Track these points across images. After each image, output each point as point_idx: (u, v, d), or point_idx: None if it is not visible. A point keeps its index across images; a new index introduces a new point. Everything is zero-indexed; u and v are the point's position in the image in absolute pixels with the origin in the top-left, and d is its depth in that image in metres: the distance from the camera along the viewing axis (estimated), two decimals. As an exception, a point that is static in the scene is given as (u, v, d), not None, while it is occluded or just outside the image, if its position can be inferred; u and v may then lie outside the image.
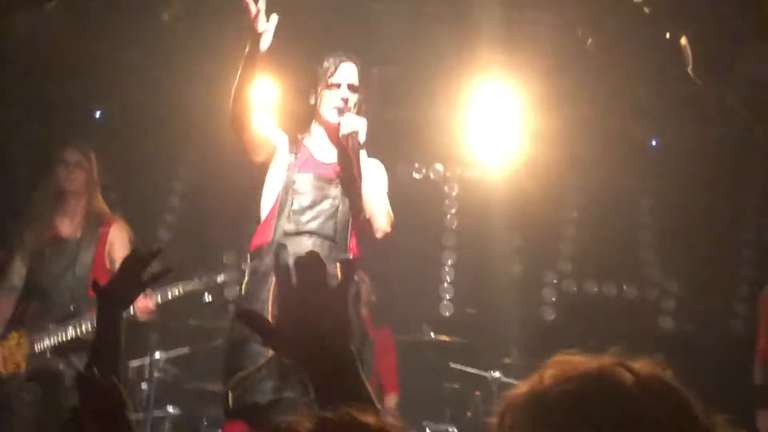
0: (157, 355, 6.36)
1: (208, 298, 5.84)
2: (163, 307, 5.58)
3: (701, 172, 7.61)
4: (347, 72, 4.65)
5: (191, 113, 7.43)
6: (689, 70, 6.49)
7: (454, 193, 8.36)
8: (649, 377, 1.36)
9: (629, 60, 6.84)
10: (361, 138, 4.46)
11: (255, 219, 4.76)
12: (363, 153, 4.60)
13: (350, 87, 4.62)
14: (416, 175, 8.35)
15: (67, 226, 5.74)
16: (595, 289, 8.17)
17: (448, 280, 8.25)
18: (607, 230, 8.06)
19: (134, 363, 6.40)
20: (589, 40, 6.62)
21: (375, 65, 7.74)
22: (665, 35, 6.43)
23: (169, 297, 5.56)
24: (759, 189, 7.48)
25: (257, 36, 4.40)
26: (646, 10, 6.36)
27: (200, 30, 6.91)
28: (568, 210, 8.30)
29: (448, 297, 8.22)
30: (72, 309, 5.56)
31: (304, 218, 4.57)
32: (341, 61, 4.66)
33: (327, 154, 4.70)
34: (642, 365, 1.39)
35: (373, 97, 4.78)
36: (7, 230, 6.07)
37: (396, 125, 7.84)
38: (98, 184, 5.81)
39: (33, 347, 5.53)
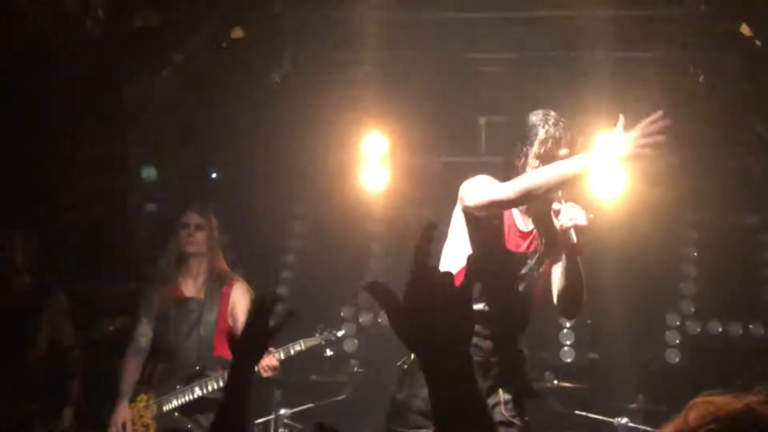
0: (282, 411, 6.41)
1: (328, 352, 5.88)
2: (285, 364, 5.63)
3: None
4: (567, 143, 4.26)
5: (303, 170, 7.54)
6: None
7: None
8: None
9: (744, 94, 6.72)
10: (578, 233, 4.11)
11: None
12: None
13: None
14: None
15: (191, 288, 5.84)
16: (720, 329, 7.97)
17: (568, 326, 8.14)
18: (728, 268, 7.87)
19: (259, 420, 6.46)
20: (701, 77, 6.54)
21: (482, 115, 7.80)
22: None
23: (292, 353, 5.62)
24: None
25: None
26: (758, 42, 6.26)
27: (310, 87, 7.04)
28: (688, 249, 8.15)
29: (568, 342, 8.11)
30: (198, 369, 5.64)
31: (495, 295, 4.21)
32: (563, 128, 4.27)
33: (526, 222, 4.36)
34: None
35: None
36: (133, 294, 6.21)
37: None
38: (219, 244, 5.91)
39: (161, 408, 5.62)
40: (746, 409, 1.34)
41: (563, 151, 4.22)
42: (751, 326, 7.90)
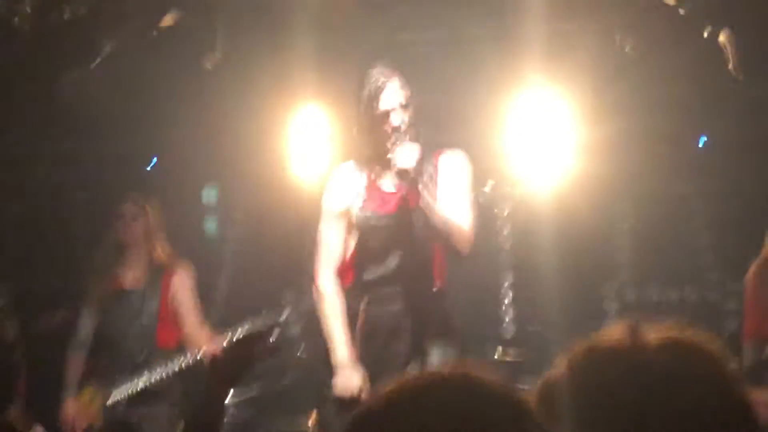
0: (227, 399, 6.41)
1: (273, 337, 5.89)
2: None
3: (752, 168, 7.56)
4: (393, 93, 4.44)
5: (239, 156, 7.52)
6: (730, 67, 6.48)
7: (505, 213, 8.35)
8: (668, 341, 1.41)
9: (669, 63, 6.83)
10: (417, 172, 4.26)
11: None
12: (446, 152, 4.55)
13: (403, 108, 4.42)
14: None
15: (130, 278, 5.84)
16: (656, 296, 8.13)
17: (507, 301, 8.23)
18: (663, 236, 8.01)
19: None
20: (628, 47, 6.64)
21: (417, 94, 7.84)
22: (703, 35, 6.44)
23: (234, 339, 5.62)
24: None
25: None
26: (681, 11, 6.37)
27: (244, 73, 7.02)
28: (622, 219, 8.27)
29: (509, 317, 8.20)
30: (141, 359, 5.64)
31: (385, 260, 4.47)
32: (384, 84, 4.44)
33: (389, 183, 4.57)
34: (661, 330, 1.46)
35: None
36: (72, 288, 6.18)
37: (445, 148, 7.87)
38: (157, 233, 5.90)
39: (106, 401, 5.61)
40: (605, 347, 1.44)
41: (385, 104, 4.35)
42: (686, 291, 8.05)
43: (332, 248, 4.59)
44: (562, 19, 7.01)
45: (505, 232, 8.39)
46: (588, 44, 6.94)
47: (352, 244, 4.60)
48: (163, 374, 5.54)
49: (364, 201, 4.55)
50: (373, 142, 4.48)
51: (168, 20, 6.22)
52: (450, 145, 7.79)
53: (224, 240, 8.37)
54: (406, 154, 4.31)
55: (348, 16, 7.29)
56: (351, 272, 4.61)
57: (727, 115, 7.38)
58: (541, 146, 7.40)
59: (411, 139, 4.40)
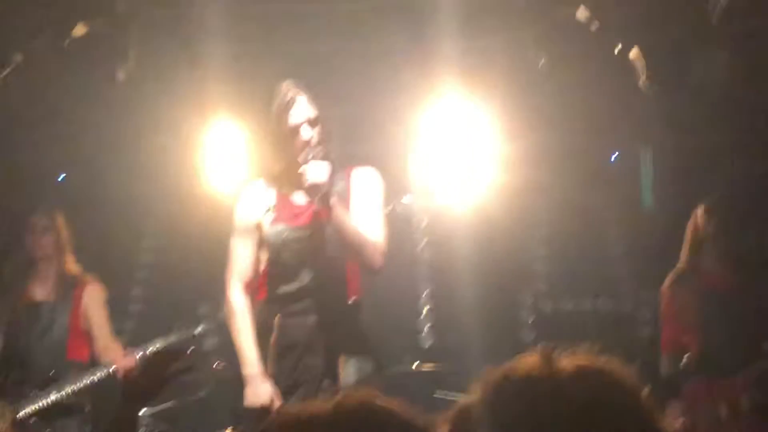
0: (142, 411, 6.34)
1: (188, 350, 5.85)
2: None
3: (663, 179, 7.71)
4: (303, 110, 4.47)
5: (154, 168, 7.46)
6: (641, 83, 6.61)
7: (423, 225, 8.41)
8: (583, 369, 1.42)
9: (581, 78, 6.94)
10: (327, 187, 4.28)
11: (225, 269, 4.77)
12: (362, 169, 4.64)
13: (310, 123, 4.45)
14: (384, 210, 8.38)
15: (41, 292, 5.75)
16: (571, 306, 8.23)
17: (425, 311, 8.28)
18: (578, 247, 8.13)
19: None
20: (541, 62, 6.73)
21: (333, 106, 7.84)
22: (614, 51, 6.55)
23: (148, 354, 5.57)
24: (718, 189, 7.59)
25: None
26: (593, 28, 6.48)
27: (157, 84, 6.97)
28: (537, 230, 8.37)
29: (427, 327, 8.25)
30: (52, 374, 5.56)
31: (298, 274, 4.50)
32: (293, 99, 4.47)
33: (299, 196, 4.59)
34: (575, 358, 1.47)
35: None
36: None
37: (359, 162, 7.88)
38: (68, 246, 5.83)
39: (16, 416, 5.51)
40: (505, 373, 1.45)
41: (295, 119, 4.40)
42: (600, 301, 8.18)
43: (241, 262, 4.60)
44: (477, 33, 7.08)
45: (423, 244, 8.45)
46: (502, 58, 7.02)
47: (265, 258, 4.58)
48: (75, 388, 5.47)
49: (276, 215, 4.55)
50: (283, 157, 4.49)
51: (80, 30, 6.14)
52: (366, 156, 7.82)
53: (138, 253, 8.28)
54: (316, 170, 4.32)
55: (264, 27, 7.28)
56: (264, 286, 4.61)
57: (639, 128, 7.52)
58: (457, 158, 7.47)
59: (321, 155, 4.41)
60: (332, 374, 4.47)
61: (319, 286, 4.49)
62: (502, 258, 8.05)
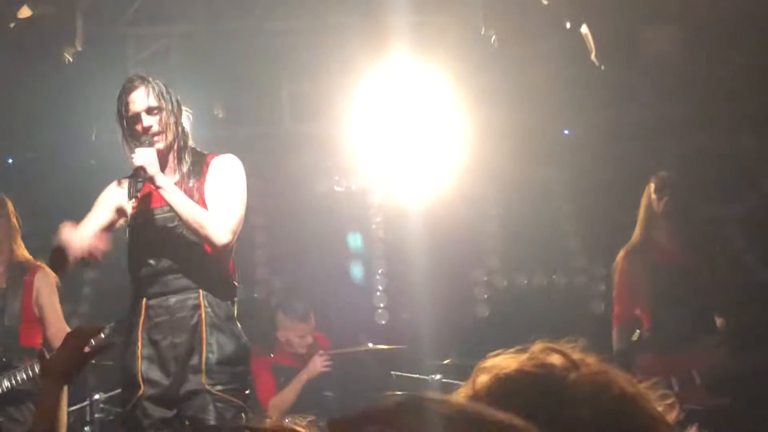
0: (96, 396, 6.29)
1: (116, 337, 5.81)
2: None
3: (615, 155, 7.75)
4: (142, 98, 4.63)
5: (105, 150, 7.37)
6: (593, 57, 6.63)
7: (377, 203, 8.40)
8: (587, 376, 1.38)
9: (534, 53, 6.94)
10: (152, 170, 4.47)
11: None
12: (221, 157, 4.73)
13: (149, 111, 4.62)
14: (338, 188, 8.38)
15: (-9, 277, 5.67)
16: (525, 282, 8.28)
17: (381, 289, 8.29)
18: (531, 223, 8.16)
19: (73, 408, 6.32)
20: (493, 38, 6.72)
21: (284, 85, 7.81)
22: (565, 26, 6.56)
23: (102, 336, 5.53)
24: (670, 164, 7.66)
25: None
26: (545, 1, 6.48)
27: (105, 65, 6.89)
28: (490, 208, 8.39)
29: (382, 305, 8.26)
30: (4, 360, 5.50)
31: (157, 255, 4.64)
32: (131, 89, 4.64)
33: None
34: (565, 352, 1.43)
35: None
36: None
37: (312, 140, 7.87)
38: (18, 231, 5.75)
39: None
40: (518, 371, 1.40)
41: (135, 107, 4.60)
42: (554, 276, 8.23)
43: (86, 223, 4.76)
44: (427, 9, 7.07)
45: (378, 221, 8.44)
46: (453, 35, 7.01)
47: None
48: (27, 374, 5.41)
49: (139, 200, 4.71)
50: (128, 143, 4.69)
51: (25, 11, 6.04)
52: (317, 134, 7.85)
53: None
54: (142, 154, 4.51)
55: (215, 5, 7.22)
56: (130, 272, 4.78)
57: (591, 103, 7.55)
58: (410, 136, 7.46)
59: (151, 142, 4.58)
60: (198, 351, 4.60)
61: (178, 267, 4.64)
62: (455, 235, 8.07)
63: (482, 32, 6.78)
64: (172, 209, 4.55)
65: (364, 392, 6.80)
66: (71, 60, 6.46)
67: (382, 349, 7.04)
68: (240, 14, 7.29)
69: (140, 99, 4.60)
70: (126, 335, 4.71)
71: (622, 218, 7.05)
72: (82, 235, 4.59)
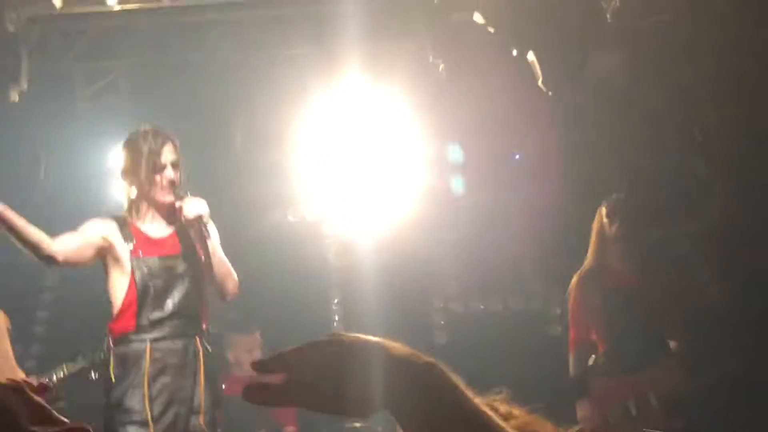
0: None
1: (94, 375, 5.75)
2: (51, 391, 5.46)
3: (565, 177, 7.79)
4: (169, 152, 4.84)
5: (57, 189, 7.32)
6: (539, 83, 6.68)
7: (332, 233, 8.39)
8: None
9: (482, 80, 6.98)
10: (207, 219, 4.71)
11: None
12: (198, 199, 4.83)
13: (174, 165, 4.81)
14: (291, 218, 8.35)
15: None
16: (482, 307, 8.29)
17: (337, 318, 8.27)
18: (485, 248, 8.17)
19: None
20: (441, 66, 6.76)
21: (236, 115, 7.80)
22: (512, 53, 6.60)
23: (55, 380, 5.47)
24: (619, 185, 7.72)
25: None
26: (491, 29, 6.52)
27: (52, 102, 6.85)
28: (445, 234, 8.40)
29: (339, 329, 8.22)
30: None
31: (165, 301, 4.77)
32: (163, 143, 4.83)
33: (158, 230, 4.90)
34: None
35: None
36: None
37: (266, 171, 7.85)
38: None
39: None
40: None
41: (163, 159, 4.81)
42: (510, 301, 8.25)
43: (71, 241, 4.86)
44: (377, 39, 7.09)
45: (333, 250, 8.43)
46: (404, 64, 7.04)
47: (124, 287, 4.82)
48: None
49: (134, 246, 4.81)
50: (144, 192, 4.84)
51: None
52: (272, 164, 7.83)
53: (42, 275, 8.10)
54: (195, 204, 4.75)
55: (166, 37, 7.20)
56: (133, 316, 4.84)
57: (539, 127, 7.60)
58: (363, 164, 7.47)
59: (182, 194, 4.81)
60: (197, 393, 4.80)
61: (183, 312, 4.81)
62: (411, 263, 8.07)
63: (430, 60, 6.82)
64: (186, 258, 4.79)
65: (327, 424, 6.78)
66: (17, 99, 6.42)
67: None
68: (190, 46, 7.28)
69: (169, 153, 4.81)
70: (121, 376, 4.81)
71: (574, 241, 7.09)
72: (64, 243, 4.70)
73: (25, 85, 6.41)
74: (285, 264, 8.22)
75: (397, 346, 1.34)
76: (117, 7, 6.36)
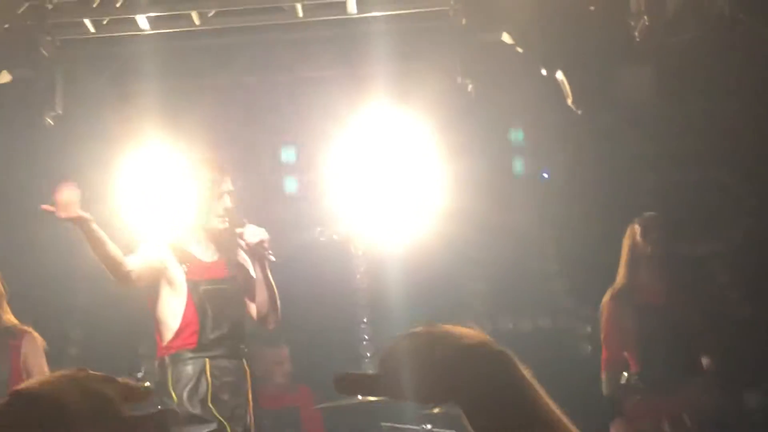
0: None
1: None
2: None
3: (594, 195, 7.80)
4: (228, 182, 5.24)
5: (88, 210, 7.35)
6: (569, 102, 6.70)
7: (360, 252, 8.41)
8: None
9: (510, 100, 7.01)
10: (268, 243, 5.06)
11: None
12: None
13: (230, 194, 5.21)
14: (321, 239, 8.38)
15: (-24, 344, 5.63)
16: (511, 326, 8.28)
17: (366, 338, 8.28)
18: (514, 267, 8.19)
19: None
20: (469, 87, 6.78)
21: (265, 137, 7.85)
22: (541, 72, 6.63)
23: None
24: (649, 203, 7.71)
25: None
26: (519, 49, 6.55)
27: (86, 125, 6.90)
28: (473, 252, 8.40)
29: (368, 354, 8.24)
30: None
31: (221, 322, 5.08)
32: (223, 173, 5.23)
33: (208, 253, 5.22)
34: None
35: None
36: None
37: (294, 193, 7.90)
38: (3, 296, 5.72)
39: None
40: None
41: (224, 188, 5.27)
42: (539, 320, 8.24)
43: (140, 261, 5.12)
44: (404, 59, 7.12)
45: (361, 270, 8.45)
46: (431, 84, 7.06)
47: (181, 307, 5.08)
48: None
49: (188, 269, 5.12)
50: (204, 216, 5.19)
51: (4, 77, 6.06)
52: (301, 185, 7.88)
53: (74, 294, 8.16)
54: (256, 231, 5.12)
55: (194, 60, 7.25)
56: (195, 335, 5.12)
57: (569, 146, 7.61)
58: (391, 184, 7.49)
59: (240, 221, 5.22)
60: (248, 410, 5.16)
61: (234, 333, 5.15)
62: (440, 282, 8.08)
63: (459, 81, 6.84)
64: (234, 282, 5.14)
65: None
66: (52, 123, 6.48)
67: (371, 400, 7.01)
68: (221, 70, 7.34)
69: (228, 183, 5.23)
70: (183, 394, 5.00)
71: (604, 259, 7.10)
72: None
73: (60, 110, 6.47)
74: (314, 283, 8.25)
75: (472, 334, 1.42)
76: (149, 31, 6.42)
